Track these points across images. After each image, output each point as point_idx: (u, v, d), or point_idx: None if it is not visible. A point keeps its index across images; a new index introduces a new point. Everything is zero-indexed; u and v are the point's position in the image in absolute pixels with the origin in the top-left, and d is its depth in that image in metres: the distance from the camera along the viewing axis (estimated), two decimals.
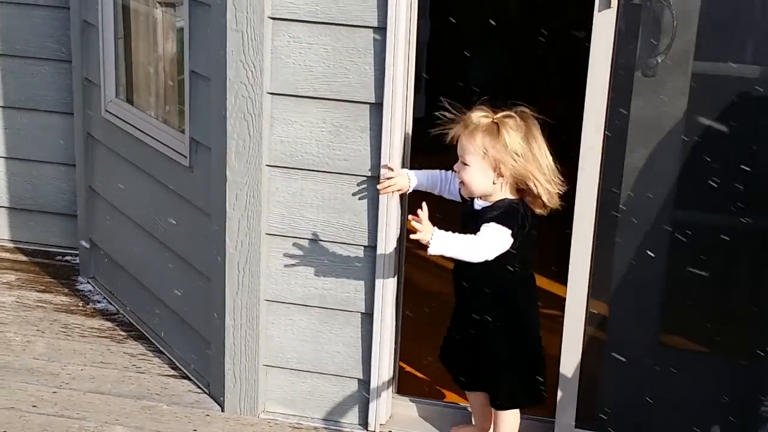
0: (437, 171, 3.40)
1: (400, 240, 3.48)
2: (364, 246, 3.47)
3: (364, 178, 3.41)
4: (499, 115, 3.18)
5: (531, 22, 5.79)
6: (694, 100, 3.17)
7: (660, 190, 3.25)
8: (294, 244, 3.54)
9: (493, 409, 3.46)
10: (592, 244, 3.32)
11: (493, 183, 3.18)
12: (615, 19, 3.12)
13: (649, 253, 3.30)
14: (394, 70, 3.27)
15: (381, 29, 3.26)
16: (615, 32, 3.14)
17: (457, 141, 3.22)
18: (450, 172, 3.35)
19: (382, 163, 3.35)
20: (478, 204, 3.24)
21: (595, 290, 3.36)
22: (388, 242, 3.43)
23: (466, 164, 3.18)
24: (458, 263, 3.28)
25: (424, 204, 3.09)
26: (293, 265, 3.55)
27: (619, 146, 3.24)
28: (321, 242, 3.51)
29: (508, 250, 3.17)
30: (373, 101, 3.33)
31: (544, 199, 3.17)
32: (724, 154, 3.23)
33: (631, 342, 3.41)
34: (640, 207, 3.27)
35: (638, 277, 3.32)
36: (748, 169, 3.22)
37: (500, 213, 3.16)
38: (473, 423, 3.64)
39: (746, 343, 3.32)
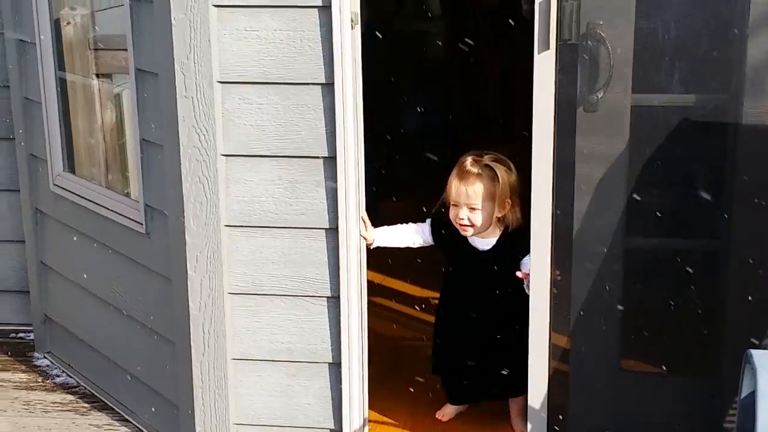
0: (402, 226, 3.78)
1: (361, 289, 3.55)
2: (328, 297, 3.52)
3: (323, 231, 3.47)
4: (486, 158, 3.64)
5: (469, 66, 5.90)
6: (635, 131, 3.29)
7: (610, 220, 3.35)
8: (257, 301, 3.58)
9: (517, 402, 3.82)
10: (550, 279, 3.41)
11: (496, 217, 3.64)
12: (555, 60, 3.25)
13: (604, 280, 3.40)
14: (345, 124, 3.35)
15: (329, 85, 3.34)
16: (555, 72, 3.26)
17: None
18: (415, 224, 3.77)
19: (340, 215, 3.42)
20: (484, 244, 3.67)
21: (555, 321, 3.46)
22: (350, 292, 3.49)
23: (474, 209, 3.61)
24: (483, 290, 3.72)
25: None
26: (258, 321, 3.59)
27: (568, 181, 3.35)
28: (284, 297, 3.55)
29: None
30: (327, 155, 3.41)
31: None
32: (668, 179, 3.35)
33: (594, 369, 3.49)
34: (593, 237, 3.37)
35: (596, 304, 3.42)
36: (691, 193, 3.36)
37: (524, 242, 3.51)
38: None
39: (705, 361, 3.44)
